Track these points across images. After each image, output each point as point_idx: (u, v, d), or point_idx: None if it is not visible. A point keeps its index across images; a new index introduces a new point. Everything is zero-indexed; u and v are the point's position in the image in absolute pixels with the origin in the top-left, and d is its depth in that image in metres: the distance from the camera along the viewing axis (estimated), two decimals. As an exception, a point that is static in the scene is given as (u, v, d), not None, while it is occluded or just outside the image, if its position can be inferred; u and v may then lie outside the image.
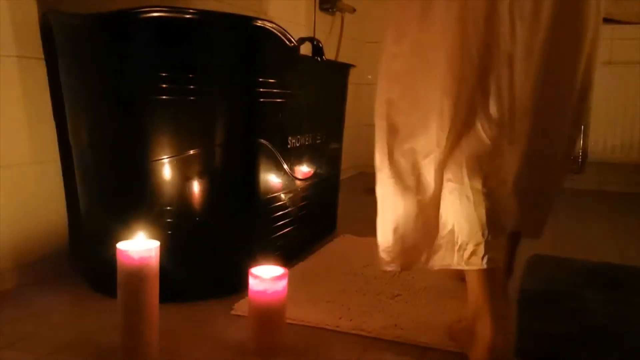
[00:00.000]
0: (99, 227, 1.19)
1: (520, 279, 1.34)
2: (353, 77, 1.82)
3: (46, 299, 1.15)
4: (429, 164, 0.93)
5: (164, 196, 1.13)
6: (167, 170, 1.12)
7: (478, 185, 0.89)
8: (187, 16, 1.09)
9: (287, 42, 1.32)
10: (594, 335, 1.02)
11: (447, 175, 0.92)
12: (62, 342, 0.96)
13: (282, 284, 0.92)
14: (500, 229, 0.90)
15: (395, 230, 0.97)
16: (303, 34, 2.13)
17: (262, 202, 1.27)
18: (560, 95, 1.00)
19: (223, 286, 1.19)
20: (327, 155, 1.63)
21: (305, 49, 1.49)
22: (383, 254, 0.99)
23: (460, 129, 0.91)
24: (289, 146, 1.38)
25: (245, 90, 1.18)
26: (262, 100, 1.23)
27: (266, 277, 0.91)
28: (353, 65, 1.76)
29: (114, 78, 1.12)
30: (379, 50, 1.01)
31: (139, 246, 0.86)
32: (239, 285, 1.13)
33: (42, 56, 1.26)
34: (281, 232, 1.37)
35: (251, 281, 0.91)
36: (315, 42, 1.55)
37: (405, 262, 0.98)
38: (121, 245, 0.86)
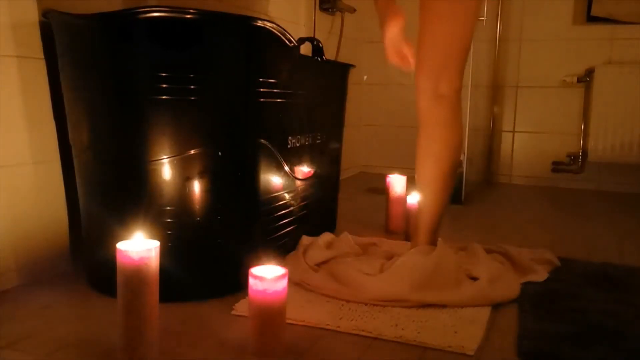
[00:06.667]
0: (99, 227, 1.19)
1: (520, 279, 1.34)
2: (353, 77, 1.82)
3: (46, 299, 1.15)
4: None
5: (164, 196, 1.13)
6: (167, 170, 1.12)
7: None
8: (187, 16, 1.09)
9: (287, 42, 1.32)
10: (594, 335, 1.02)
11: None
12: (62, 342, 0.96)
13: (282, 284, 0.92)
14: None
15: None
16: (303, 34, 2.13)
17: (262, 202, 1.27)
18: None
19: (223, 286, 1.19)
20: (327, 155, 1.64)
21: (305, 49, 1.49)
22: None
23: None
24: (289, 146, 1.38)
25: (245, 90, 1.18)
26: (262, 100, 1.23)
27: (266, 277, 0.91)
28: (353, 66, 1.76)
29: (114, 78, 1.12)
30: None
31: (139, 246, 0.86)
32: (239, 285, 1.13)
33: (42, 56, 1.26)
34: (281, 232, 1.37)
35: (251, 281, 0.91)
36: (315, 42, 1.55)
37: None
38: (121, 245, 0.86)
